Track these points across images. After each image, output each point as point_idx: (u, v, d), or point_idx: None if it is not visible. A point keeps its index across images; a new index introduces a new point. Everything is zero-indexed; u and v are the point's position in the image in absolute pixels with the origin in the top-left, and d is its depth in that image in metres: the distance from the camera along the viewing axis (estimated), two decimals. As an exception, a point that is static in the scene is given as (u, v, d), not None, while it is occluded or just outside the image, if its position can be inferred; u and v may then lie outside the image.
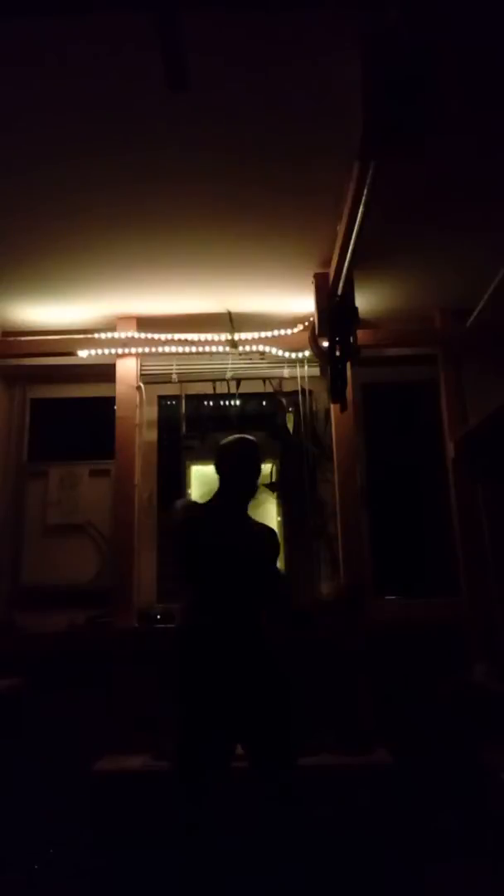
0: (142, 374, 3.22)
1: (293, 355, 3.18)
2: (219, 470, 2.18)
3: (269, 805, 1.89)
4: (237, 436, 2.25)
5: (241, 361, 3.21)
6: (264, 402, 3.43)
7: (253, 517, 2.23)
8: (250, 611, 2.04)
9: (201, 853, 1.80)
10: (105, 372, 3.20)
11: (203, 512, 2.14)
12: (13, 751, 2.58)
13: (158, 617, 2.88)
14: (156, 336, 3.15)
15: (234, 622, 1.98)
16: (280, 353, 3.18)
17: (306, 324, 3.10)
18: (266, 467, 3.25)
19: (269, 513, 3.22)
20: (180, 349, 3.16)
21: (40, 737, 2.66)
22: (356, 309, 2.48)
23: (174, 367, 3.21)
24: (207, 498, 2.21)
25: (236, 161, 2.08)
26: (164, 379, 3.25)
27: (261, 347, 3.16)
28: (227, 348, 3.14)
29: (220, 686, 1.90)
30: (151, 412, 3.34)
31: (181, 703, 1.93)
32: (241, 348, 3.14)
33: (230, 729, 1.90)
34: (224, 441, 2.24)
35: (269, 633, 2.05)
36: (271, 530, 2.28)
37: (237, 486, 2.16)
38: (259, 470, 2.21)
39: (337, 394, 2.45)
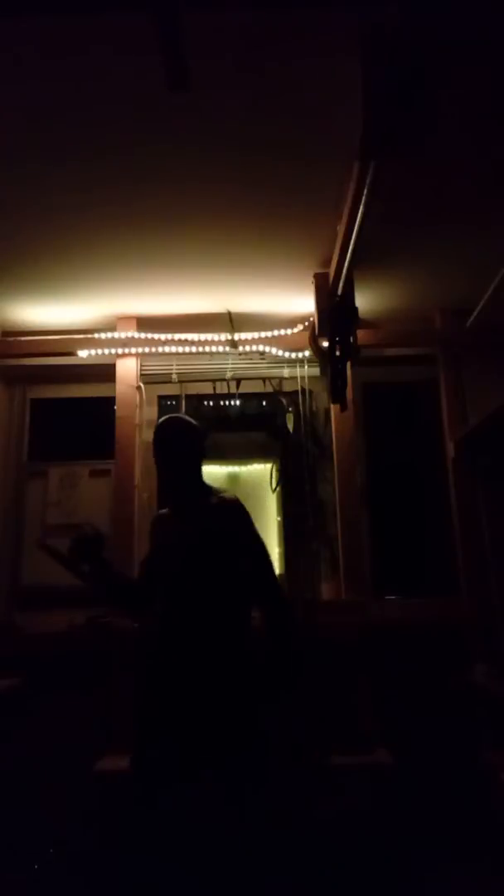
0: (142, 374, 3.22)
1: (293, 355, 3.18)
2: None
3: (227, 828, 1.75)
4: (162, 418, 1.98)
5: (241, 361, 3.22)
6: (264, 402, 3.43)
7: (222, 495, 1.89)
8: (221, 613, 1.78)
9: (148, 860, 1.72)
10: (105, 372, 3.20)
11: (154, 522, 2.06)
12: (13, 751, 2.58)
13: (158, 617, 2.88)
14: (156, 336, 3.15)
15: (197, 638, 1.75)
16: (280, 353, 3.18)
17: (306, 324, 3.10)
18: (266, 467, 3.26)
19: (269, 513, 3.22)
20: (180, 349, 3.16)
21: (40, 737, 2.66)
22: (356, 309, 2.48)
23: (174, 367, 3.21)
24: None
25: (236, 161, 2.08)
26: (164, 379, 3.25)
27: (261, 347, 3.16)
28: (227, 348, 3.14)
29: (178, 710, 1.75)
30: (151, 412, 3.33)
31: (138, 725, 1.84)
32: (241, 348, 3.14)
33: (189, 753, 1.73)
34: None
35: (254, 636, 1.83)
36: (233, 503, 1.87)
37: (163, 470, 1.93)
38: (179, 442, 1.88)
39: (337, 394, 2.45)
